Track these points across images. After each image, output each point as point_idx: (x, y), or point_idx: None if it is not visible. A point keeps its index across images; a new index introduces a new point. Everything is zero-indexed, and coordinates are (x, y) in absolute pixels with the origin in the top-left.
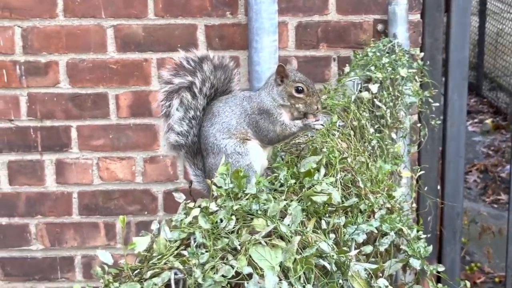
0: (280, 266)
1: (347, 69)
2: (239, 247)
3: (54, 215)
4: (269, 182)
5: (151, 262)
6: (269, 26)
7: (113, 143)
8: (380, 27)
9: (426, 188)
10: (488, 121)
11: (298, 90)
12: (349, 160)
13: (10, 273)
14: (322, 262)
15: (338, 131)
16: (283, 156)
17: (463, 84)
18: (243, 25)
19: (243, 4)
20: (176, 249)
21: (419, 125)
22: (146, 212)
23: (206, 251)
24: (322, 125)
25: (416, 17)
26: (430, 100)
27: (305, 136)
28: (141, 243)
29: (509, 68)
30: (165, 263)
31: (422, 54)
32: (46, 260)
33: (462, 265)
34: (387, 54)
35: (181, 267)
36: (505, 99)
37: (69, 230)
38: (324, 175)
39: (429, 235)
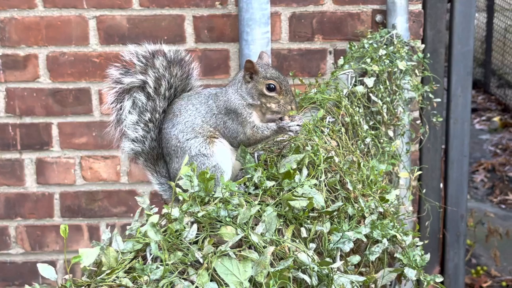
0: (250, 281)
1: (340, 61)
2: (201, 260)
3: (34, 217)
4: (243, 184)
5: (99, 277)
6: (261, 17)
7: (96, 141)
8: (378, 17)
9: (428, 189)
10: (496, 118)
11: (270, 88)
12: (336, 159)
13: None
14: (301, 275)
15: (327, 127)
16: (260, 155)
17: (468, 78)
18: (234, 16)
19: None
20: (129, 263)
21: (418, 122)
22: (132, 214)
23: (162, 265)
24: (299, 125)
25: (417, 7)
26: (431, 95)
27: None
28: (88, 255)
29: None
30: (113, 280)
31: (423, 46)
32: (27, 264)
33: (467, 269)
34: (384, 46)
35: (130, 284)
36: None
37: (51, 233)
38: (307, 176)
39: (427, 241)
